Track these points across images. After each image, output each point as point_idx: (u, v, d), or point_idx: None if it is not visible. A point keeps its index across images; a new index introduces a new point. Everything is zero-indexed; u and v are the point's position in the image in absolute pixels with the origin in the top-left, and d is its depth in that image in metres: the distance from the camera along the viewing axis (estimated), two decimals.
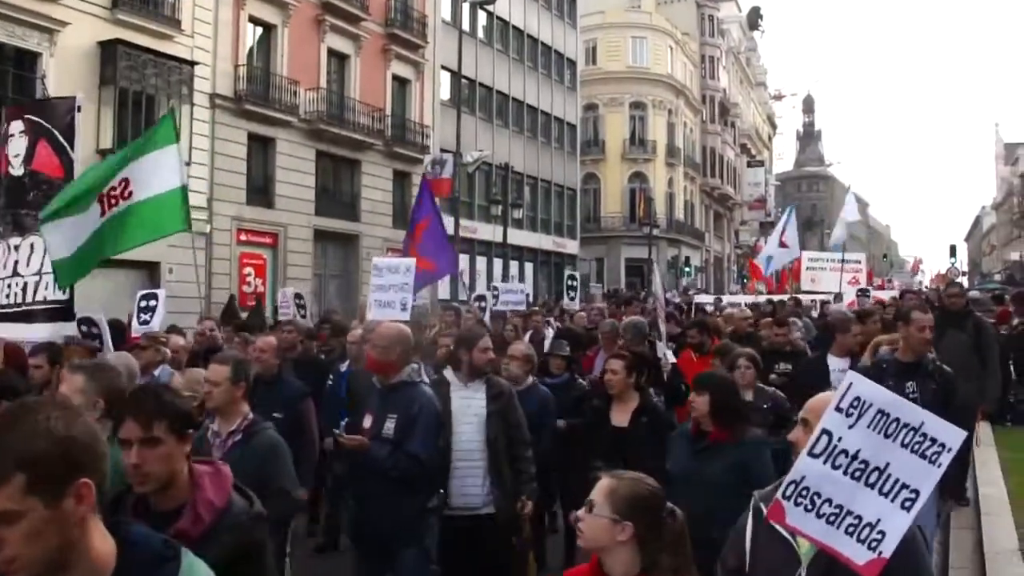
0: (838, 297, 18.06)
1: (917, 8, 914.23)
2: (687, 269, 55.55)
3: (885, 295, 21.21)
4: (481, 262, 38.42)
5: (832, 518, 2.74)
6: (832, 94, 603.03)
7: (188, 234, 8.74)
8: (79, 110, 8.69)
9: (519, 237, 39.26)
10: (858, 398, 2.74)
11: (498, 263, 37.59)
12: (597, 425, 6.42)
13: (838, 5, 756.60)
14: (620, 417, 6.35)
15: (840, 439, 2.73)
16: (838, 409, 2.75)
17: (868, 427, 2.72)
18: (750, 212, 76.08)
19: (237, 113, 26.36)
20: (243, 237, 26.78)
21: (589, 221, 53.56)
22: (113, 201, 7.92)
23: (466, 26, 35.39)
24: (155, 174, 8.05)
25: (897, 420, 2.72)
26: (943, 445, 2.69)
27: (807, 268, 21.37)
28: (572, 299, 19.73)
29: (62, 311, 8.05)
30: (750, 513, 3.16)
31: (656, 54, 57.02)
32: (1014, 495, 8.44)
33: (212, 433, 4.83)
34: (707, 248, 65.90)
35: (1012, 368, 13.56)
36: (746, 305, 18.65)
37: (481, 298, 17.08)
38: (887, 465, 2.70)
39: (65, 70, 21.01)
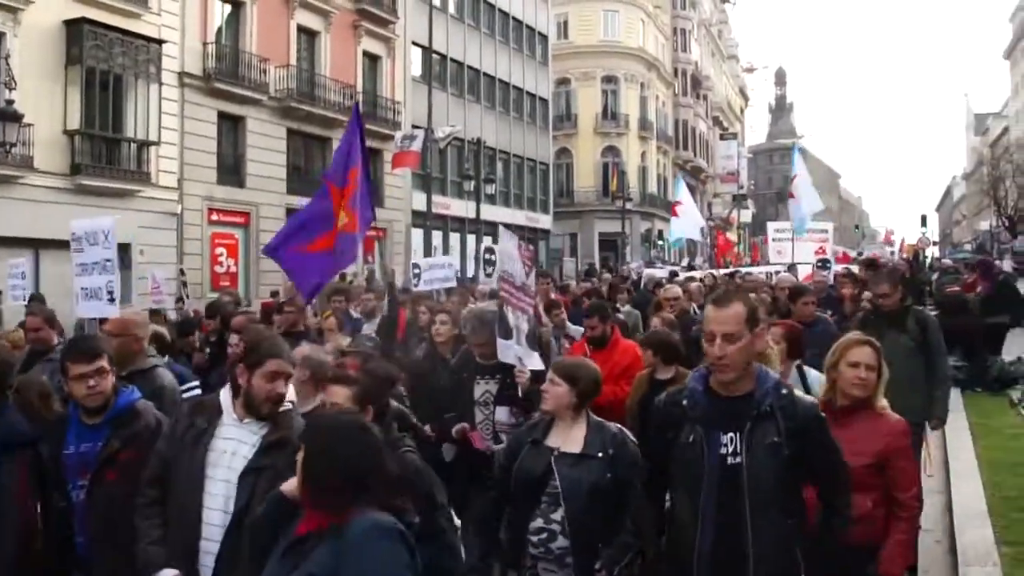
0: (792, 269, 16.18)
1: None
2: (660, 242, 55.65)
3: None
4: (454, 238, 38.34)
5: None
6: (803, 66, 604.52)
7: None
8: None
9: (492, 213, 39.15)
10: None
11: (471, 239, 37.56)
12: None
13: None
14: None
15: None
16: None
17: None
18: (723, 185, 76.33)
19: (206, 92, 26.10)
20: (214, 217, 26.58)
21: (562, 196, 53.58)
22: None
23: (437, 1, 35.14)
24: None
25: None
26: None
27: (772, 239, 21.15)
28: (489, 275, 15.77)
29: None
30: None
31: (628, 27, 56.83)
32: (982, 459, 8.65)
33: None
34: None
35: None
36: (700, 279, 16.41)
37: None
38: None
39: (30, 50, 20.73)
